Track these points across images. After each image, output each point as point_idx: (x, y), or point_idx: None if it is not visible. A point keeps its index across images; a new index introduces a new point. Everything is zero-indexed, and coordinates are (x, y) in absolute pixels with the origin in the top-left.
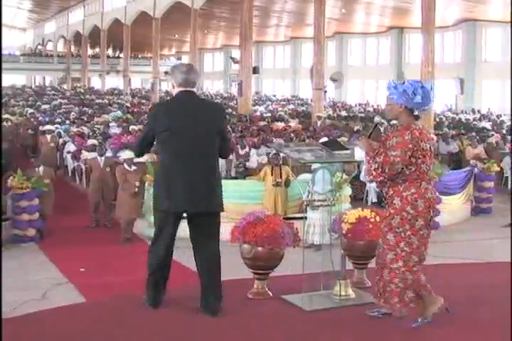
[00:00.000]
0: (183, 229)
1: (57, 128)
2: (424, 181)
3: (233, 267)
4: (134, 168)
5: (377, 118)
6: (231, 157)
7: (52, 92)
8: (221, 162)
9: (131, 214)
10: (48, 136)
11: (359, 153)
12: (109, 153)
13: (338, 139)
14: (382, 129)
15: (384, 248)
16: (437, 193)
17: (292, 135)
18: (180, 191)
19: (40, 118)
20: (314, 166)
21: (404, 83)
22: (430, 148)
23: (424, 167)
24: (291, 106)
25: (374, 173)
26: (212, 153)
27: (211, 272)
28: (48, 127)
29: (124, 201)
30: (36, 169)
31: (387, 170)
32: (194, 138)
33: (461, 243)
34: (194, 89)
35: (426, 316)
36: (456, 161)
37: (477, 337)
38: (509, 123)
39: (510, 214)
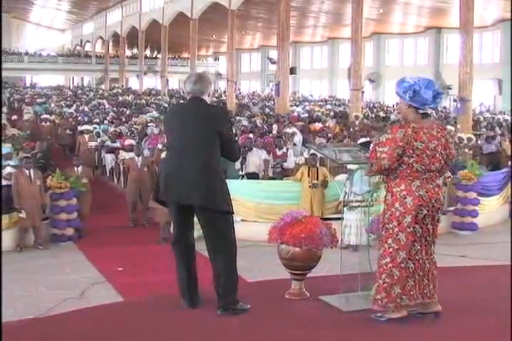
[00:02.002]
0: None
1: (95, 128)
2: (418, 179)
3: (271, 267)
4: None
5: (393, 116)
6: (269, 157)
7: (91, 93)
8: (256, 162)
9: (169, 215)
10: (86, 136)
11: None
12: (146, 153)
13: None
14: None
15: (378, 243)
16: (474, 194)
17: (330, 135)
18: (173, 184)
19: (80, 117)
20: (350, 167)
21: (406, 81)
22: (435, 148)
23: (417, 166)
24: (329, 107)
25: (368, 169)
26: (205, 152)
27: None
28: (85, 127)
29: None
30: (75, 169)
31: (374, 166)
32: (188, 138)
33: (495, 245)
34: (204, 97)
35: (383, 315)
36: (495, 162)
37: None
38: None
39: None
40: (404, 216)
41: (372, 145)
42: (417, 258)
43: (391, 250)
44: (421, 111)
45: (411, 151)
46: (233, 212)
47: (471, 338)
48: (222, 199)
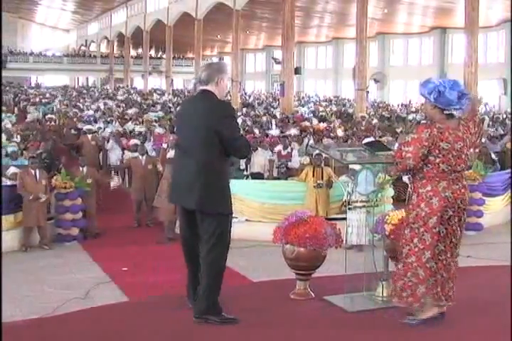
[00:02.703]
0: (233, 229)
1: (100, 128)
2: (444, 180)
3: (275, 267)
4: None
5: (419, 117)
6: (273, 157)
7: (96, 93)
8: (261, 162)
9: (173, 214)
10: (89, 136)
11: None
12: (153, 153)
13: (381, 139)
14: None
15: (402, 242)
16: (479, 194)
17: (332, 135)
18: (175, 184)
19: (85, 117)
20: (353, 167)
21: (431, 81)
22: (461, 148)
23: (443, 166)
24: (334, 107)
25: (393, 169)
26: (205, 152)
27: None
28: (88, 127)
29: (166, 202)
30: (81, 168)
31: (399, 165)
32: (190, 137)
33: (500, 245)
34: (210, 86)
35: (416, 316)
36: (500, 162)
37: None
38: None
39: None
40: (429, 216)
41: (397, 144)
42: (440, 258)
43: (416, 249)
44: (446, 112)
45: (437, 151)
46: (230, 214)
47: (471, 338)
48: (218, 200)
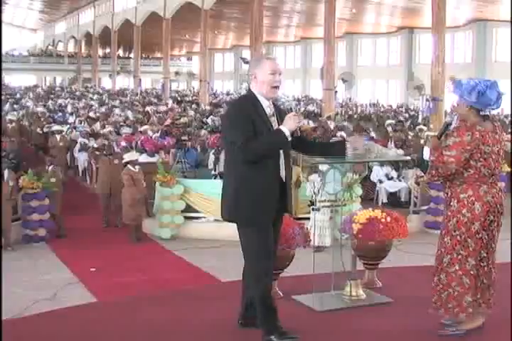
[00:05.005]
0: (195, 229)
1: (68, 128)
2: (485, 184)
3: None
4: (138, 167)
5: (449, 118)
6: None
7: (63, 93)
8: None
9: (139, 216)
10: (58, 136)
11: (427, 154)
12: (143, 157)
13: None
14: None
15: (441, 250)
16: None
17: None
18: None
19: (55, 117)
20: (321, 168)
21: (468, 82)
22: (498, 151)
23: (485, 170)
24: (302, 106)
25: (430, 173)
26: (227, 159)
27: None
28: (56, 127)
29: (130, 203)
30: (47, 167)
31: (440, 170)
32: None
33: None
34: (252, 84)
35: (461, 328)
36: None
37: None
38: None
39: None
40: (472, 222)
41: (427, 148)
42: (482, 265)
43: (460, 257)
44: (482, 113)
45: (479, 155)
46: (251, 226)
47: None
48: (236, 210)
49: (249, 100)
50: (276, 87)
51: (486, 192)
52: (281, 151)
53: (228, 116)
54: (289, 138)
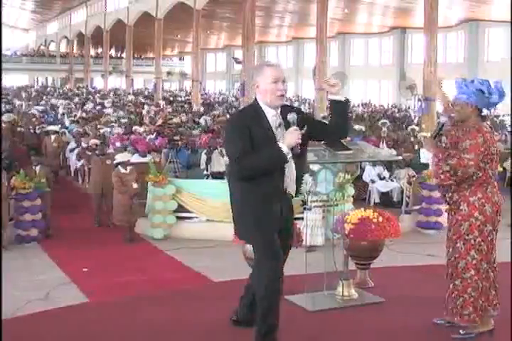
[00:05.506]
0: (187, 229)
1: (61, 128)
2: (489, 185)
3: (236, 267)
4: (129, 168)
5: (443, 119)
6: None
7: (55, 93)
8: (221, 161)
9: (131, 217)
10: (52, 137)
11: (425, 155)
12: (136, 157)
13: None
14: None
15: (455, 257)
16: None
17: None
18: None
19: (48, 117)
20: (312, 167)
21: (473, 82)
22: (497, 151)
23: (490, 172)
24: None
25: (442, 176)
26: (227, 170)
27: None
28: (51, 127)
29: (122, 204)
30: (33, 168)
31: (459, 173)
32: None
33: None
34: (255, 93)
35: (471, 331)
36: None
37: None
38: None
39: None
40: (485, 225)
41: (424, 150)
42: (495, 266)
43: (475, 262)
44: (483, 114)
45: (488, 157)
46: (252, 242)
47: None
48: (240, 226)
49: (252, 110)
50: (281, 96)
51: (492, 192)
52: (291, 162)
53: (226, 128)
54: (289, 156)
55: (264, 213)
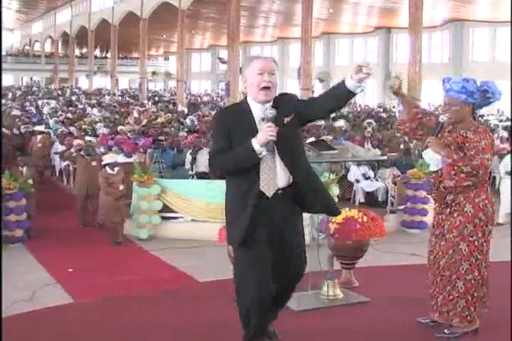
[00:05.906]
0: (172, 229)
1: (45, 128)
2: (486, 184)
3: (221, 267)
4: (117, 169)
5: (443, 118)
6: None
7: (40, 93)
8: (207, 161)
9: (117, 218)
10: (39, 137)
11: (430, 155)
12: (121, 157)
13: (324, 138)
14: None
15: (456, 259)
16: (423, 193)
17: None
18: None
19: (33, 118)
20: None
21: (473, 81)
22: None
23: (487, 172)
24: None
25: (457, 178)
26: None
27: None
28: (37, 128)
29: (108, 205)
30: (20, 168)
31: (480, 174)
32: None
33: None
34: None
35: (456, 330)
36: None
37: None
38: (495, 122)
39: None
40: (486, 225)
41: (429, 150)
42: (488, 263)
43: (477, 262)
44: (476, 114)
45: (491, 157)
46: (235, 245)
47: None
48: (228, 227)
49: (237, 106)
50: (266, 88)
51: (490, 193)
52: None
53: (212, 125)
54: (263, 153)
55: (239, 211)
